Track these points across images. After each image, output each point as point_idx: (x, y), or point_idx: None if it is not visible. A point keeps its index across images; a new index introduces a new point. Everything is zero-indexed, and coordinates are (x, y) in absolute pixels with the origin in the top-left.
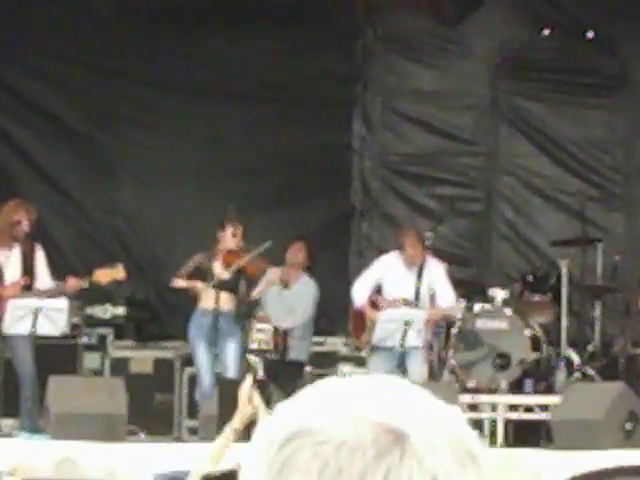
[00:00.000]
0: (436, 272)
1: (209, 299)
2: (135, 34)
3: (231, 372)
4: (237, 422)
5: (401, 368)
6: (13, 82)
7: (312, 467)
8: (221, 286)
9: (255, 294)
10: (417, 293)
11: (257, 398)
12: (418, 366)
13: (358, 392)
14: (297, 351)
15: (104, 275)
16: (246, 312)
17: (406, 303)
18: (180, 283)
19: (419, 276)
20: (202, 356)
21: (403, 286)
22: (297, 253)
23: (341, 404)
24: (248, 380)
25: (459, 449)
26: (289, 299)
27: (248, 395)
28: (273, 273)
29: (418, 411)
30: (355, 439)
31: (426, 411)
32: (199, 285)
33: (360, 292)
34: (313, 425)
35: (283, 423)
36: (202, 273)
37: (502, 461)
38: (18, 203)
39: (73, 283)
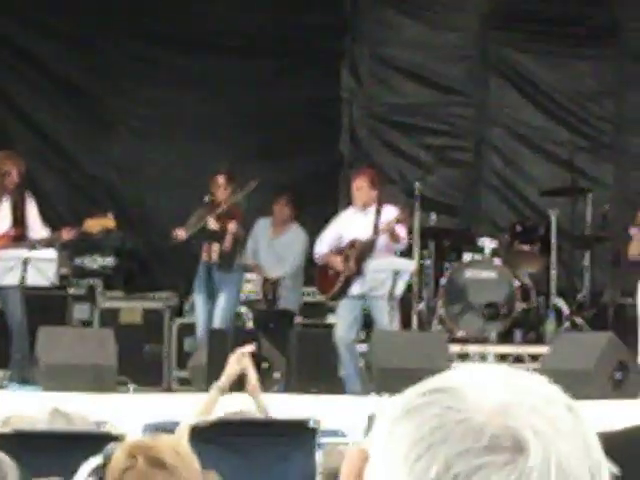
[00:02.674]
0: (388, 215)
1: (203, 252)
2: None
3: (216, 323)
4: (223, 381)
5: (367, 317)
6: (8, 34)
7: (429, 423)
8: (209, 237)
9: (227, 245)
10: (373, 236)
11: (247, 361)
12: (384, 315)
13: (514, 389)
14: (287, 301)
15: (94, 224)
16: (229, 262)
17: (361, 245)
18: (181, 236)
19: (376, 219)
20: (198, 308)
21: (357, 229)
22: (282, 208)
23: (493, 391)
24: (247, 348)
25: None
26: (279, 249)
27: (238, 359)
28: (232, 225)
29: (555, 433)
30: (479, 423)
31: (562, 436)
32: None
33: (320, 245)
34: (460, 391)
35: (442, 377)
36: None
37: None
38: (7, 154)
39: (67, 233)
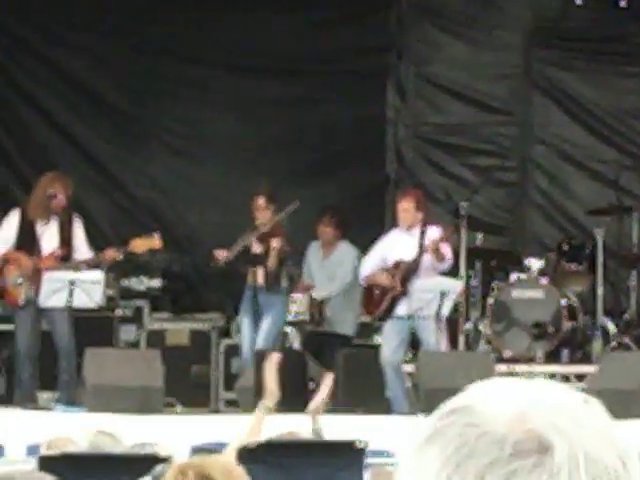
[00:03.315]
0: (432, 235)
1: (249, 274)
2: (170, 8)
3: (261, 344)
4: (268, 399)
5: (414, 337)
6: (51, 57)
7: (452, 443)
8: (253, 260)
9: (271, 264)
10: (418, 256)
11: (328, 382)
12: (432, 335)
13: (527, 394)
14: (341, 322)
15: (140, 245)
16: (274, 282)
17: (405, 266)
18: (220, 257)
19: (421, 239)
20: (244, 330)
21: (402, 250)
22: (324, 229)
23: (507, 400)
24: (270, 360)
25: (603, 476)
26: (330, 268)
27: (270, 374)
28: (275, 242)
29: (577, 427)
30: (500, 433)
31: (585, 429)
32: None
33: (365, 267)
34: (475, 407)
35: (457, 398)
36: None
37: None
38: (55, 176)
39: (110, 254)
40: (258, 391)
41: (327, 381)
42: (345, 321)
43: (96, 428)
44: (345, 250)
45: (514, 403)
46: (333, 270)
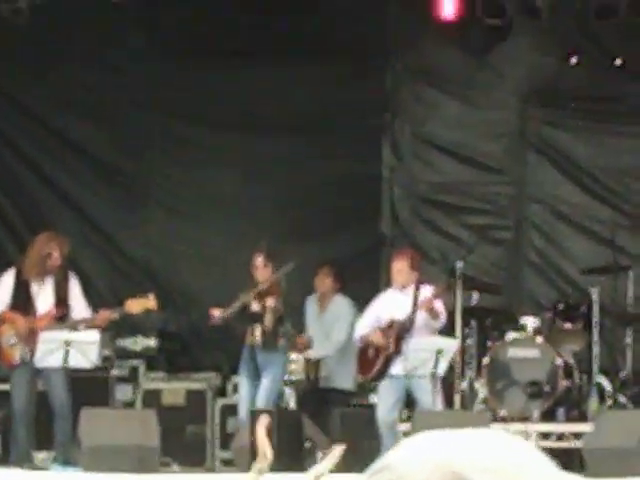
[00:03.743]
0: (426, 293)
1: (247, 333)
2: (165, 65)
3: (260, 403)
4: (260, 461)
5: (409, 396)
6: (43, 114)
7: None
8: (250, 318)
9: (267, 323)
10: (412, 315)
11: (261, 436)
12: (427, 394)
13: (448, 443)
14: (339, 379)
15: (136, 305)
16: (272, 341)
17: (399, 325)
18: (215, 315)
19: (414, 299)
20: (242, 389)
21: (397, 309)
22: (324, 279)
23: (428, 451)
24: (262, 420)
25: None
26: (326, 324)
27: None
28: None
29: (491, 463)
30: (419, 478)
31: (499, 463)
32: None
33: (360, 327)
34: (396, 464)
35: (384, 457)
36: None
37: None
38: (50, 236)
39: (104, 315)
40: (254, 450)
41: (336, 452)
42: (343, 376)
43: None
44: (341, 303)
45: (437, 454)
46: (330, 325)
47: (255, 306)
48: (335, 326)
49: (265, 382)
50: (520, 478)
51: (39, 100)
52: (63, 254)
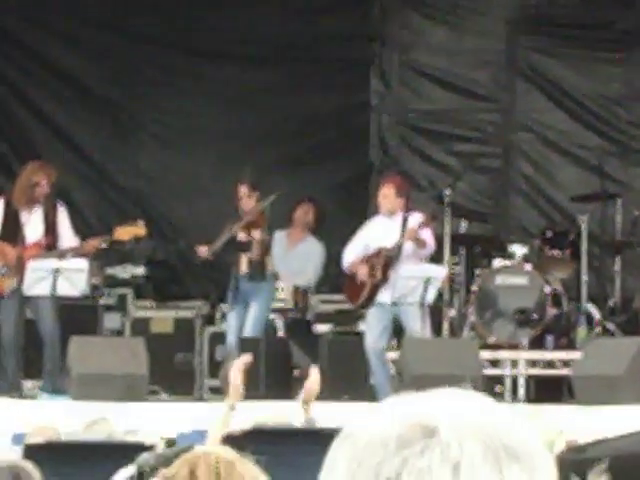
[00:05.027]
0: (415, 222)
1: (234, 263)
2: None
3: (248, 332)
4: (232, 396)
5: (398, 324)
6: (37, 45)
7: (344, 463)
8: (237, 248)
9: (254, 254)
10: (399, 244)
11: (235, 372)
12: (416, 322)
13: (415, 401)
14: (314, 310)
15: (125, 232)
16: (259, 271)
17: (386, 253)
18: (203, 253)
19: (403, 227)
20: (230, 318)
21: (384, 237)
22: (305, 214)
23: (391, 410)
24: (242, 358)
25: (495, 444)
26: (294, 259)
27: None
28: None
29: (460, 412)
30: (383, 436)
31: (469, 412)
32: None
33: (347, 254)
34: (358, 429)
35: (347, 425)
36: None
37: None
38: (38, 165)
39: (93, 243)
40: (243, 378)
41: (314, 375)
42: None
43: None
44: (313, 244)
45: (392, 411)
46: (297, 262)
47: (242, 236)
48: (305, 263)
49: (253, 311)
50: (496, 436)
51: (29, 32)
52: (51, 183)
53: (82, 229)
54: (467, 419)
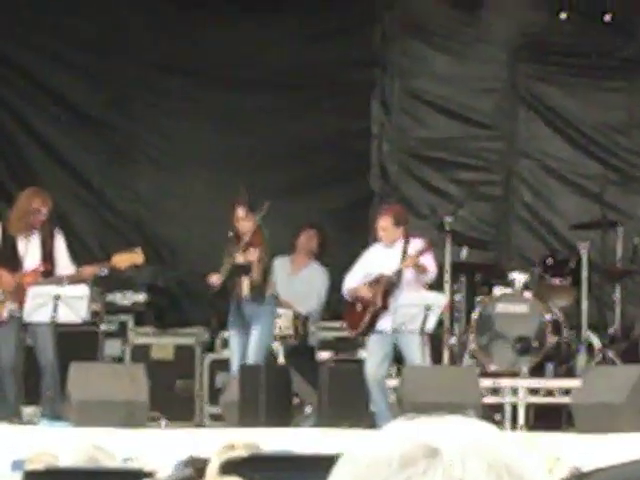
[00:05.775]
0: (415, 248)
1: (235, 287)
2: (154, 18)
3: (251, 358)
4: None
5: (398, 351)
6: (31, 68)
7: None
8: (239, 272)
9: (254, 275)
10: (399, 271)
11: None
12: (416, 350)
13: (418, 423)
14: (315, 337)
15: (122, 260)
16: (260, 292)
17: (386, 280)
18: (216, 282)
19: (403, 254)
20: (232, 343)
21: (385, 264)
22: (309, 241)
23: (394, 430)
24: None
25: (497, 463)
26: (297, 286)
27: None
28: (252, 254)
29: (463, 433)
30: (386, 455)
31: (472, 434)
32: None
33: (348, 282)
34: (361, 450)
35: (350, 448)
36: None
37: (523, 445)
38: (35, 191)
39: (90, 270)
40: (243, 405)
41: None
42: (317, 335)
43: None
44: (316, 270)
45: (397, 434)
46: (301, 288)
47: (240, 258)
48: (308, 289)
49: (255, 335)
50: (499, 457)
51: (28, 56)
52: (48, 209)
53: (81, 253)
54: (469, 440)
